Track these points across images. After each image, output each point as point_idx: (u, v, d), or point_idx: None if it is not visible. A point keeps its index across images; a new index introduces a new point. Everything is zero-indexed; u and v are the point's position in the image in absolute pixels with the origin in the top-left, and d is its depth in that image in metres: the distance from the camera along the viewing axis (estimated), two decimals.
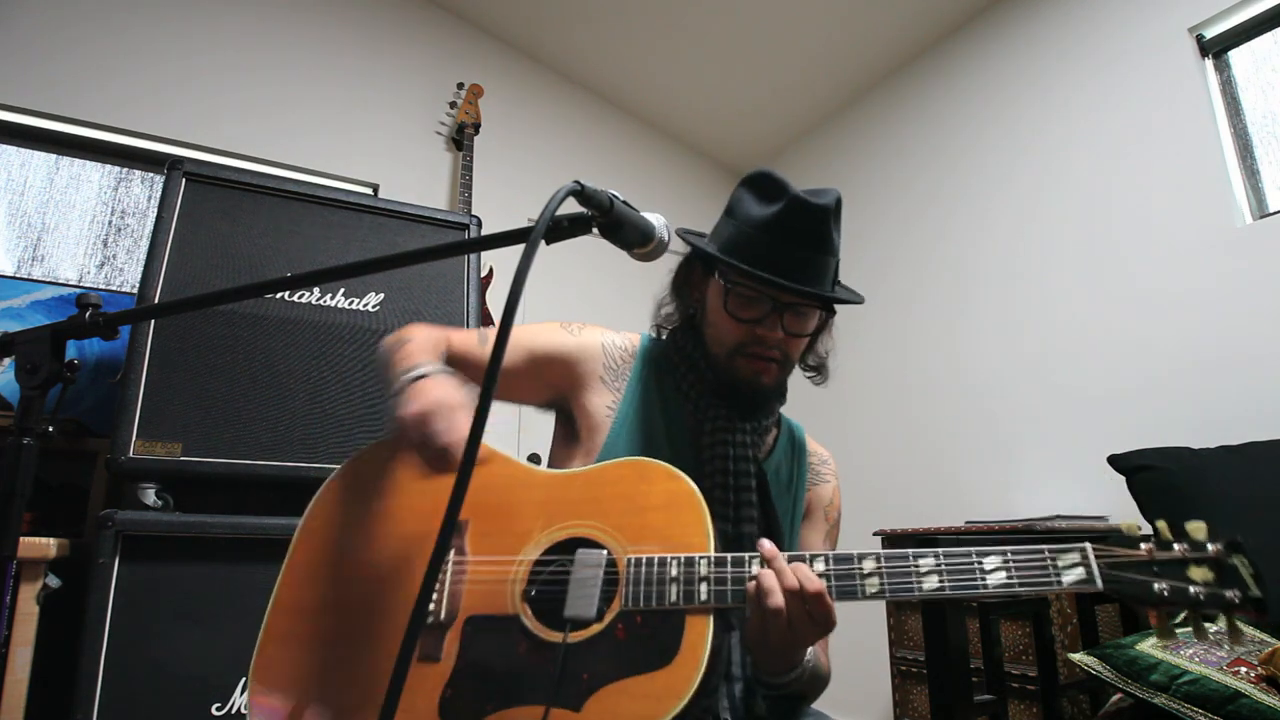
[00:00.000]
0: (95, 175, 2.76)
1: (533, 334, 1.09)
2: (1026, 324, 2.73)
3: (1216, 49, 2.40)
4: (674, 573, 0.81)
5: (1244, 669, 1.27)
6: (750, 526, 0.96)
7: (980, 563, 0.76)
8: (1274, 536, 1.57)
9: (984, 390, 2.84)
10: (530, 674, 0.80)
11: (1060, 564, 0.74)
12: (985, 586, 0.75)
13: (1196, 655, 1.31)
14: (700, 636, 0.77)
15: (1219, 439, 1.85)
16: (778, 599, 0.77)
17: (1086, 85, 2.65)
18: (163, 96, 2.79)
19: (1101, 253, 2.53)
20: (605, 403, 1.05)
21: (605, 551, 0.85)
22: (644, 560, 0.82)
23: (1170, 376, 2.27)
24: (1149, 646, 1.36)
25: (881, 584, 0.77)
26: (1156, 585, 0.73)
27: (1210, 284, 2.22)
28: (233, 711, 1.54)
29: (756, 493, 0.99)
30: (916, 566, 0.77)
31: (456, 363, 1.06)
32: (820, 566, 0.79)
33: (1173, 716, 1.26)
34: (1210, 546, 0.74)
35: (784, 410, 1.14)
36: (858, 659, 2.82)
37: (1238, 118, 2.34)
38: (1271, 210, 2.23)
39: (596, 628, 0.81)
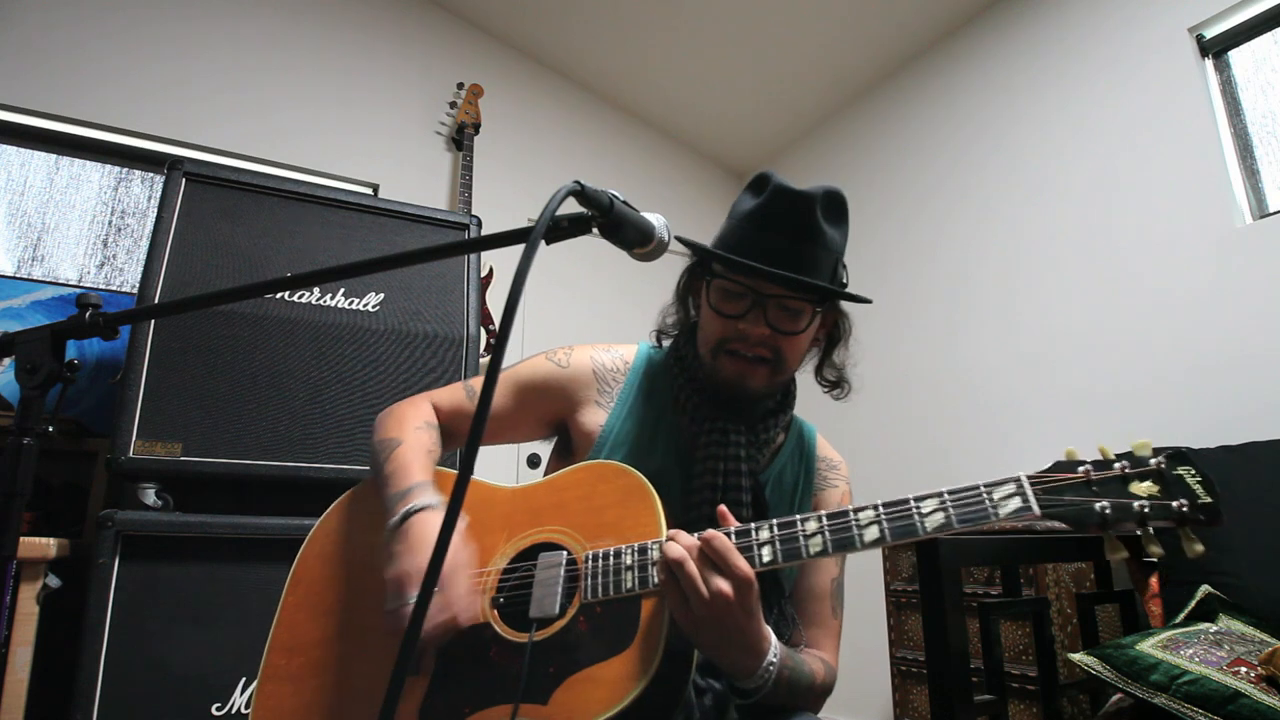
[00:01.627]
0: (95, 175, 2.76)
1: (519, 373, 1.10)
2: (1026, 324, 2.73)
3: (1216, 49, 2.40)
4: (628, 561, 0.83)
5: (1244, 669, 1.27)
6: None
7: (918, 507, 0.77)
8: (1274, 536, 1.57)
9: (983, 390, 2.84)
10: (501, 675, 0.83)
11: (996, 496, 0.74)
12: (924, 530, 0.76)
13: (1196, 655, 1.31)
14: (657, 618, 0.79)
15: (1219, 439, 1.85)
16: (678, 551, 0.78)
17: (1086, 85, 2.65)
18: (163, 96, 2.79)
19: (1101, 252, 2.53)
20: (598, 421, 1.05)
21: (565, 551, 0.88)
22: (600, 554, 0.85)
23: (1170, 376, 2.27)
24: (1149, 646, 1.36)
25: (824, 541, 0.78)
26: (1098, 505, 0.71)
27: (1210, 284, 2.22)
28: (233, 711, 1.54)
29: (750, 508, 0.97)
30: (857, 520, 0.78)
31: (450, 424, 1.09)
32: (765, 534, 0.81)
33: (1173, 716, 1.26)
34: (1153, 461, 0.72)
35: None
36: (858, 659, 2.81)
37: (1238, 118, 2.34)
38: (1271, 210, 2.23)
39: (560, 623, 0.84)
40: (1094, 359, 2.49)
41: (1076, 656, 1.44)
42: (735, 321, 0.97)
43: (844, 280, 1.02)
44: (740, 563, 0.77)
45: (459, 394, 1.12)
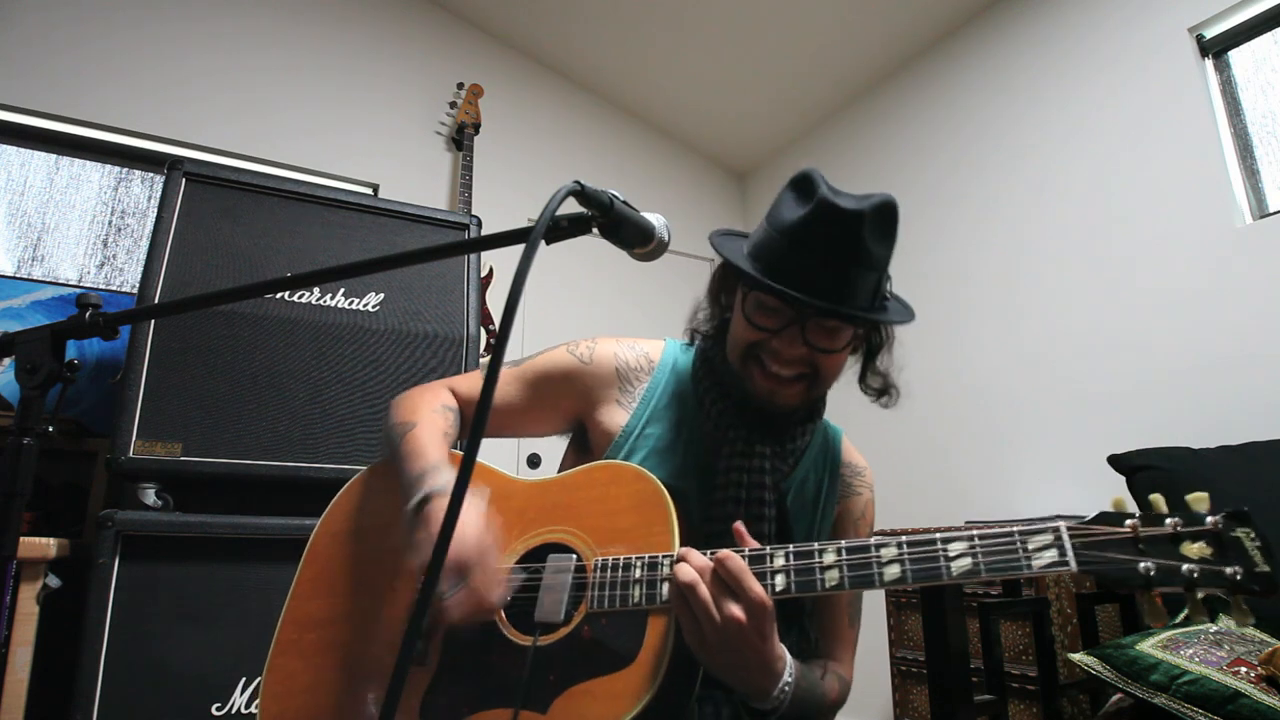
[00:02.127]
0: (95, 175, 2.76)
1: (539, 364, 1.07)
2: (1027, 324, 2.73)
3: (1216, 49, 2.39)
4: (637, 574, 0.81)
5: (1244, 669, 1.27)
6: None
7: (945, 549, 0.71)
8: (1274, 537, 1.57)
9: (984, 390, 2.84)
10: (503, 677, 0.82)
11: (1030, 546, 0.68)
12: (950, 574, 0.71)
13: (1196, 655, 1.31)
14: (661, 636, 0.78)
15: (1219, 439, 1.85)
16: (689, 574, 0.75)
17: (1087, 85, 2.65)
18: (163, 96, 2.79)
19: (1102, 253, 2.52)
20: (619, 421, 1.02)
21: (575, 556, 0.87)
22: (610, 563, 0.83)
23: (1170, 376, 2.26)
24: (1149, 646, 1.36)
25: (841, 575, 0.74)
26: (1142, 565, 0.65)
27: (1210, 284, 2.22)
28: (233, 711, 1.54)
29: (774, 522, 0.95)
30: (878, 556, 0.73)
31: (468, 410, 1.08)
32: (780, 561, 0.77)
33: (1173, 716, 1.26)
34: (1209, 519, 0.65)
35: None
36: (858, 659, 2.81)
37: (1238, 118, 2.34)
38: (1271, 210, 2.23)
39: (564, 630, 0.82)
40: (1094, 358, 2.49)
41: (1076, 656, 1.44)
42: (769, 336, 0.93)
43: (887, 294, 0.97)
44: (755, 587, 0.74)
45: (477, 380, 1.10)
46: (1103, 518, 0.69)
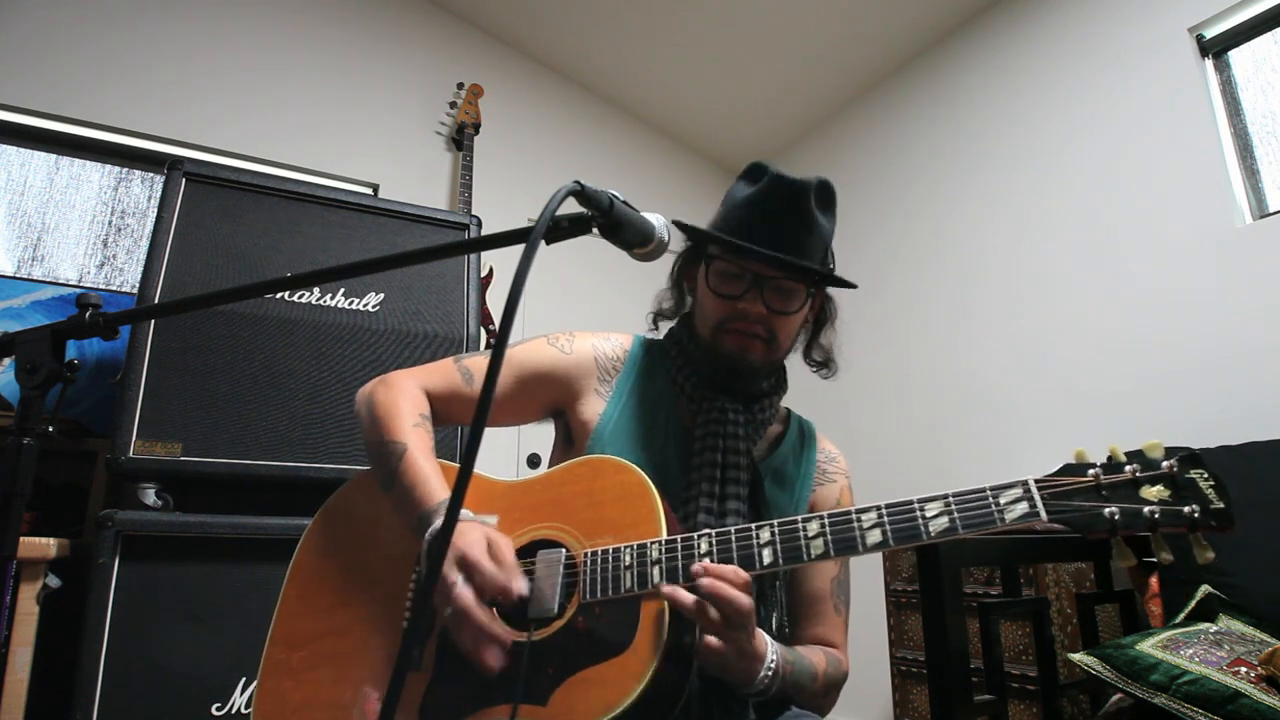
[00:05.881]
0: (95, 175, 2.76)
1: (520, 356, 1.09)
2: (1027, 323, 2.73)
3: (1216, 49, 2.39)
4: (627, 561, 0.83)
5: (1244, 669, 1.27)
6: (735, 519, 0.95)
7: (922, 510, 0.76)
8: (1274, 536, 1.57)
9: (984, 389, 2.84)
10: (500, 674, 0.83)
11: (1003, 500, 0.73)
12: (928, 534, 0.75)
13: (1196, 655, 1.31)
14: (655, 619, 0.79)
15: (1219, 439, 1.85)
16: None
17: (1087, 85, 2.65)
18: (163, 96, 2.79)
19: (1102, 252, 2.52)
20: (597, 410, 1.06)
21: (564, 549, 0.88)
22: (599, 553, 0.85)
23: (1170, 376, 2.26)
24: (1149, 646, 1.36)
25: (826, 543, 0.78)
26: (1107, 510, 0.69)
27: (1210, 284, 2.21)
28: (233, 711, 1.54)
29: (747, 486, 0.99)
30: (860, 522, 0.77)
31: (443, 409, 1.06)
32: (766, 535, 0.81)
33: (1173, 716, 1.26)
34: (1164, 464, 0.70)
35: (785, 405, 1.15)
36: (858, 659, 2.81)
37: (1238, 118, 2.34)
38: (1271, 210, 2.23)
39: (559, 623, 0.83)
40: (1094, 358, 2.49)
41: (1076, 656, 1.44)
42: (734, 302, 0.99)
43: (832, 265, 1.07)
44: (743, 601, 0.77)
45: (453, 377, 1.08)
46: (1067, 469, 0.73)
